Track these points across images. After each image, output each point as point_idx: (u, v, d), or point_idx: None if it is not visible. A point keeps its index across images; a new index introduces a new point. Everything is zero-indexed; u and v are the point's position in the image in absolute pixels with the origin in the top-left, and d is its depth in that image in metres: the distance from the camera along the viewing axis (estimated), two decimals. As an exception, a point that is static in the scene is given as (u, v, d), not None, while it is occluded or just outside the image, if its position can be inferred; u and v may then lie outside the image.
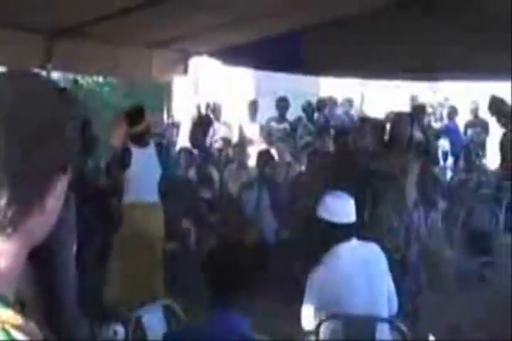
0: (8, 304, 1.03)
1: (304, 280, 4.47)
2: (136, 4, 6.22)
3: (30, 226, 1.07)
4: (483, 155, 10.44)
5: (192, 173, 8.55)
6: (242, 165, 8.78)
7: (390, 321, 4.39)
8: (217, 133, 10.40)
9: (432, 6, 7.67)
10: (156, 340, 3.81)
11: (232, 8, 6.82)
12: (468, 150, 10.42)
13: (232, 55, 8.87)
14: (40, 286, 1.29)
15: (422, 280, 7.06)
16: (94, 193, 6.86)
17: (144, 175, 6.58)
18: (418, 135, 8.25)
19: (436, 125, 12.99)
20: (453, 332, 6.02)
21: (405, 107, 12.00)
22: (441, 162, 11.19)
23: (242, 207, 7.90)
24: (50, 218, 1.12)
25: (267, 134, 10.14)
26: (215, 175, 8.69)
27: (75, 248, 1.36)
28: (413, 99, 13.92)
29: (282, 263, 6.58)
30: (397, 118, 7.35)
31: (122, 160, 6.49)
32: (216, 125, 10.75)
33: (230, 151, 9.52)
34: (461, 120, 12.81)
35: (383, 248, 4.58)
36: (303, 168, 8.92)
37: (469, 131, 12.29)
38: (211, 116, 11.10)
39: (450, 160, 11.69)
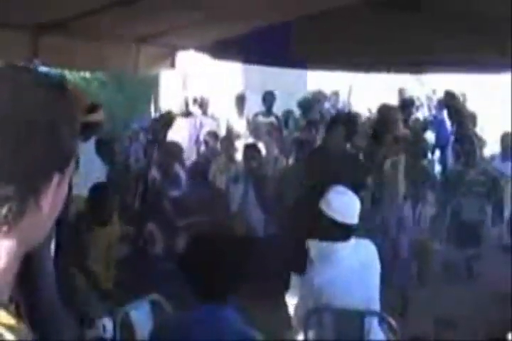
0: (1, 304, 1.03)
1: (291, 274, 4.47)
2: (122, -1, 6.20)
3: (26, 225, 1.06)
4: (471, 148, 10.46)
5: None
6: (230, 159, 8.78)
7: (378, 314, 4.40)
8: (205, 127, 10.39)
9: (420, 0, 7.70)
10: (144, 336, 3.81)
11: (219, 1, 6.80)
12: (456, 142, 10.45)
13: (219, 49, 8.86)
14: (22, 287, 1.29)
15: (412, 273, 7.09)
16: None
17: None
18: (405, 128, 8.28)
19: (424, 118, 13.01)
20: (441, 324, 6.04)
21: (393, 100, 12.01)
22: (429, 155, 11.21)
23: (229, 201, 7.91)
24: (48, 218, 1.11)
25: (254, 128, 10.15)
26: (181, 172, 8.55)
27: (52, 246, 1.35)
28: (401, 91, 13.94)
29: (269, 257, 6.58)
30: (385, 111, 7.37)
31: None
32: (204, 119, 10.74)
33: (218, 145, 9.50)
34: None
35: (377, 243, 4.56)
36: (290, 161, 8.94)
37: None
38: (199, 110, 11.11)
39: (437, 153, 11.72)
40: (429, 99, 14.30)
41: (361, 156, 7.51)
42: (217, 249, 3.06)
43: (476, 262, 7.71)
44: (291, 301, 4.44)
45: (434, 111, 13.15)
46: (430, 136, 11.72)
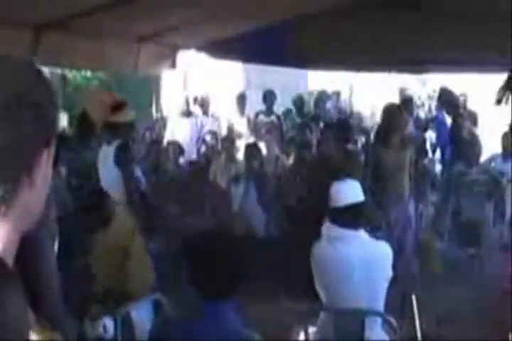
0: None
1: (293, 273, 4.47)
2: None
3: (23, 203, 1.07)
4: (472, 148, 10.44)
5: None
6: (231, 158, 8.77)
7: (379, 314, 4.40)
8: (205, 126, 10.39)
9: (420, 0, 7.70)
10: (144, 336, 3.80)
11: (220, 1, 6.80)
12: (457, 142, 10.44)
13: (220, 49, 8.85)
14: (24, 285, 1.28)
15: (416, 272, 7.09)
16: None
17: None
18: (408, 127, 8.27)
19: (425, 117, 13.00)
20: (441, 323, 6.04)
21: (394, 99, 12.00)
22: (430, 154, 11.21)
23: (230, 200, 7.90)
24: (41, 193, 1.11)
25: (255, 128, 10.14)
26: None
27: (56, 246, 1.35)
28: (402, 91, 13.92)
29: (271, 256, 6.58)
30: (388, 110, 7.35)
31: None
32: (204, 118, 10.74)
33: (218, 145, 9.50)
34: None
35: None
36: (291, 161, 8.93)
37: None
38: (200, 109, 11.10)
39: (438, 153, 11.70)
40: (430, 98, 14.30)
41: (363, 156, 7.52)
42: (217, 248, 3.06)
43: (477, 262, 7.70)
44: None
45: (434, 111, 13.14)
46: (432, 135, 11.70)
